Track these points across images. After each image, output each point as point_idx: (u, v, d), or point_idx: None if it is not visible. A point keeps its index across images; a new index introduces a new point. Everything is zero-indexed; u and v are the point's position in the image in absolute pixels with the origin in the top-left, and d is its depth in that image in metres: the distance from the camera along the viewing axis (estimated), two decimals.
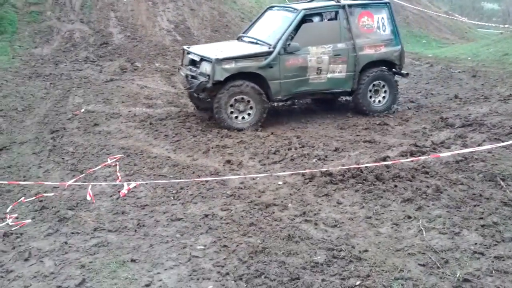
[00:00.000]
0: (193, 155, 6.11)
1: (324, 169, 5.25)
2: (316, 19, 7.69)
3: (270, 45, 7.16)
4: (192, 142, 6.56)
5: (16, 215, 4.61)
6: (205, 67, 6.96)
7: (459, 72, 10.87)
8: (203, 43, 12.93)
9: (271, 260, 3.64)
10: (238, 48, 7.54)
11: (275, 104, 8.20)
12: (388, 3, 7.97)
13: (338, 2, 7.65)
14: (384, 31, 7.88)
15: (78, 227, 4.29)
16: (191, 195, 4.91)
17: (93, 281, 3.46)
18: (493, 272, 3.30)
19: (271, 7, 8.53)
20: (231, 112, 7.03)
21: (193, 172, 5.53)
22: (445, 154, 5.48)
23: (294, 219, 4.34)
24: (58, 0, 13.38)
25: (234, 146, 6.39)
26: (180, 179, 5.32)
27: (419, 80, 10.89)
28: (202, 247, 3.91)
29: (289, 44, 7.12)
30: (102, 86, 9.51)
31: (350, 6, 7.62)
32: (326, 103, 8.60)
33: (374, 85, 7.85)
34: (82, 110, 8.00)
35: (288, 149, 6.18)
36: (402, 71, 8.22)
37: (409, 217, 4.20)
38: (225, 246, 3.90)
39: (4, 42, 11.54)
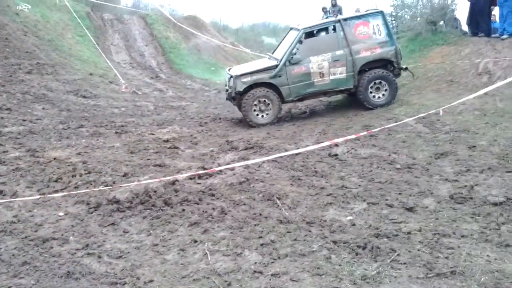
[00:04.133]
0: None
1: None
2: (316, 34, 9.44)
3: (277, 59, 9.19)
4: None
5: None
6: (231, 82, 9.15)
7: None
8: None
9: None
10: (256, 65, 9.83)
11: (61, 127, 7.58)
12: (382, 11, 9.45)
13: (335, 18, 9.49)
14: (380, 35, 9.27)
15: None
16: None
17: None
18: None
19: (291, 28, 10.16)
20: (254, 110, 9.01)
21: None
22: (219, 168, 5.91)
23: (75, 253, 4.00)
24: None
25: (8, 174, 5.67)
26: None
27: (208, 105, 11.44)
28: None
29: (292, 57, 9.02)
30: None
31: (345, 19, 9.29)
32: None
33: (375, 83, 9.22)
34: None
35: (72, 176, 5.74)
36: (401, 66, 9.50)
37: (195, 241, 4.24)
38: None
39: None
